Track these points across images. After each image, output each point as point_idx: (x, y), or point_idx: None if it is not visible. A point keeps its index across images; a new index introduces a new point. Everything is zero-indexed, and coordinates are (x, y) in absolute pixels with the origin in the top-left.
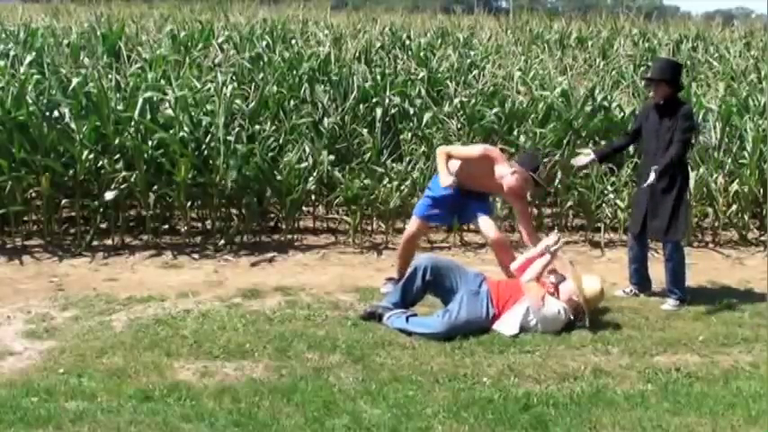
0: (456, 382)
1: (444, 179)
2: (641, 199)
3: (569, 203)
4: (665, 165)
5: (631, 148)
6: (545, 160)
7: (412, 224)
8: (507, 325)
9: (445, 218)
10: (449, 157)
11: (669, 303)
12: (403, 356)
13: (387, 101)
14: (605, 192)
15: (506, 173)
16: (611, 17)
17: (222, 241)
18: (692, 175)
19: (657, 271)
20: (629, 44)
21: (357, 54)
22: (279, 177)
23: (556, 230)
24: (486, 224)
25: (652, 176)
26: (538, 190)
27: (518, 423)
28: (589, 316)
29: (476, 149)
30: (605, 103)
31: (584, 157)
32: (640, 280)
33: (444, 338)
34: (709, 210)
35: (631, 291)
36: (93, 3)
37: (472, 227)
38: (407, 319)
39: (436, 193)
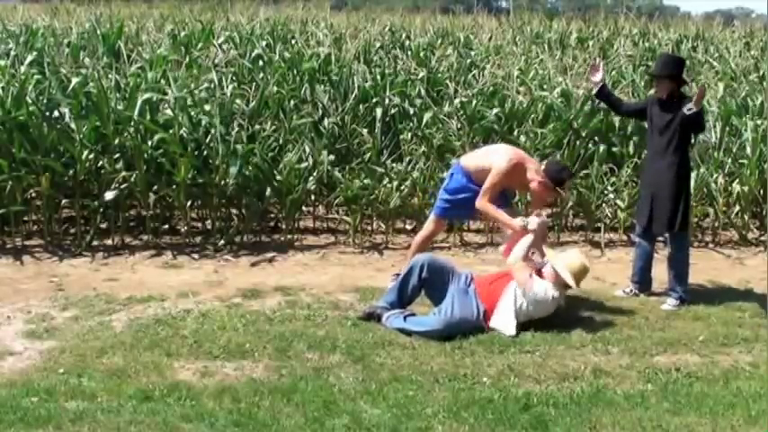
0: (456, 382)
1: (515, 225)
2: (646, 192)
3: (569, 203)
4: (699, 111)
5: (631, 149)
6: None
7: (430, 224)
8: (504, 322)
9: (465, 216)
10: (491, 193)
11: (669, 303)
12: (403, 356)
13: (387, 101)
14: (605, 192)
15: (535, 178)
16: (611, 17)
17: (222, 241)
18: (692, 175)
19: (658, 271)
20: (629, 44)
21: (357, 54)
22: (279, 177)
23: (536, 214)
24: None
25: (691, 105)
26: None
27: (518, 423)
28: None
29: (503, 164)
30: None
31: (597, 76)
32: (642, 279)
33: (442, 336)
34: (709, 210)
35: (631, 291)
36: (93, 3)
37: (472, 226)
38: (405, 318)
39: (453, 195)
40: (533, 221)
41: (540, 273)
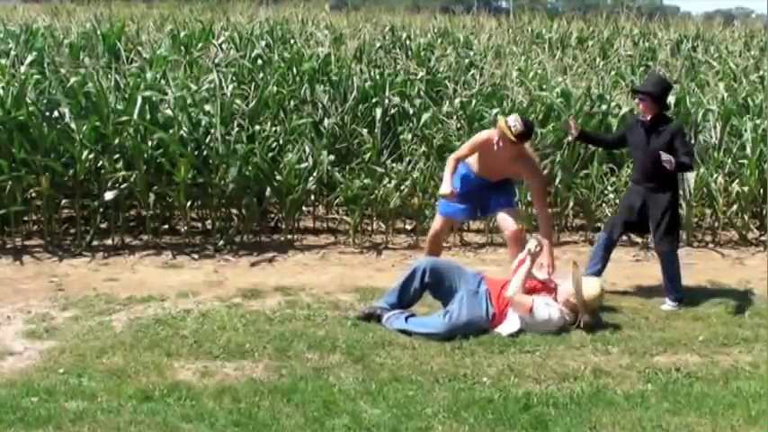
0: (456, 382)
1: (444, 187)
2: (632, 203)
3: (569, 203)
4: (684, 164)
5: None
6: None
7: (436, 222)
8: (507, 327)
9: (469, 213)
10: (457, 161)
11: (669, 304)
12: (403, 356)
13: (386, 101)
14: (605, 192)
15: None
16: (611, 17)
17: (222, 241)
18: (692, 175)
19: (657, 271)
20: (629, 44)
21: (357, 54)
22: (279, 177)
23: (534, 237)
24: (505, 218)
25: (672, 161)
26: (515, 146)
27: (518, 423)
28: (591, 318)
29: (480, 135)
30: (603, 106)
31: (573, 130)
32: (604, 267)
33: (444, 338)
34: (709, 210)
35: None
36: (93, 3)
37: (472, 226)
38: (406, 319)
39: (457, 190)
40: (531, 245)
41: (554, 290)
